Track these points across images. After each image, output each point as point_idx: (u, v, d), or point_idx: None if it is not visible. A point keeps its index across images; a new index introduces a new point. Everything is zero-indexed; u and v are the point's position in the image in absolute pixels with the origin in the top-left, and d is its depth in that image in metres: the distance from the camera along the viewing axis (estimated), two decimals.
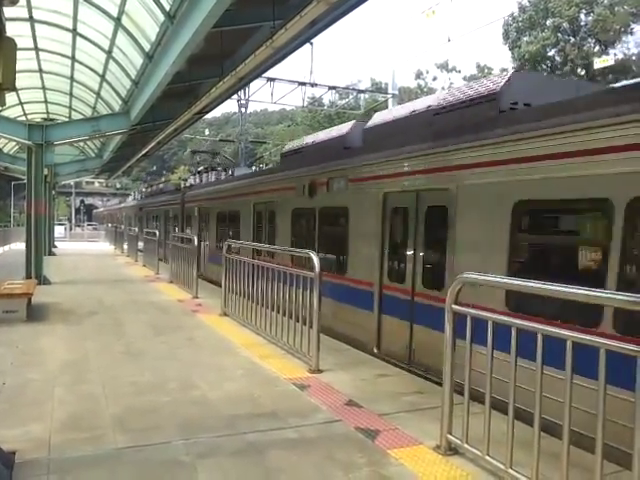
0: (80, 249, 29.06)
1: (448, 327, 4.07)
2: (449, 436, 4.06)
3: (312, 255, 6.39)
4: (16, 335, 7.82)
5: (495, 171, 6.23)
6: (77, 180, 43.01)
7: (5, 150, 26.14)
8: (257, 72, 12.71)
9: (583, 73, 41.97)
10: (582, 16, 39.75)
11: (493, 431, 3.71)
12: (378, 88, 49.43)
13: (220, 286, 10.02)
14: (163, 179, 78.72)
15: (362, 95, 36.35)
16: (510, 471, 3.51)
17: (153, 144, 19.58)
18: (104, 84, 15.86)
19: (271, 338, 7.64)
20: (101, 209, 74.56)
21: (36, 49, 14.20)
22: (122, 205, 49.60)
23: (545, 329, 3.38)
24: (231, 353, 7.13)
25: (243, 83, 15.49)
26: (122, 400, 5.16)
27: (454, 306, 4.04)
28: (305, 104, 32.30)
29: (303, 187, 10.75)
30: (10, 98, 19.41)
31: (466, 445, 3.92)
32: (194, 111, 14.61)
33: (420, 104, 8.68)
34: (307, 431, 4.53)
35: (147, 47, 11.55)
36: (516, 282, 3.98)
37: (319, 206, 10.30)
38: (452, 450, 4.07)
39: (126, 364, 6.48)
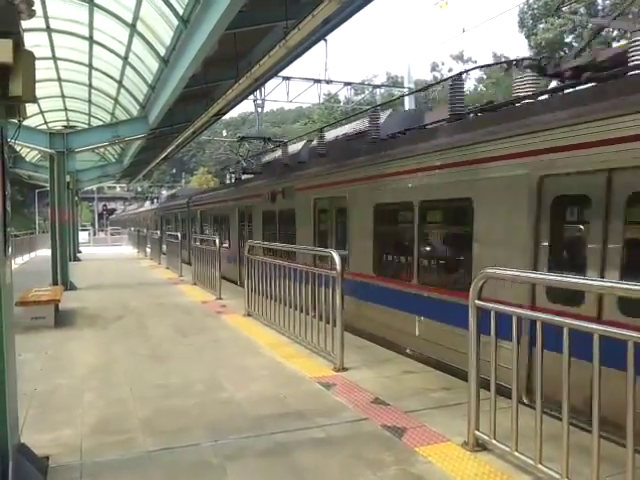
0: (104, 254, 29.51)
1: (472, 322, 4.04)
2: (477, 432, 4.04)
3: (334, 254, 6.40)
4: (45, 341, 7.97)
5: (369, 184, 9.20)
6: (99, 185, 43.56)
7: (28, 159, 26.58)
8: (272, 72, 12.75)
9: None
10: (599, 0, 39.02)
11: (520, 426, 3.68)
12: (394, 82, 49.22)
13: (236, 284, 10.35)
14: (183, 182, 79.60)
15: (378, 90, 36.20)
16: (540, 466, 3.48)
17: (172, 147, 19.75)
18: (121, 90, 16.03)
19: (295, 337, 7.67)
20: (119, 212, 75.54)
21: (54, 58, 14.41)
22: (140, 210, 50.30)
23: (572, 323, 3.33)
24: (256, 353, 7.17)
25: (259, 84, 15.59)
26: (150, 403, 5.23)
27: (477, 301, 4.01)
28: (321, 101, 32.28)
29: (267, 195, 14.01)
30: (31, 108, 19.65)
31: (494, 441, 3.89)
32: (211, 113, 14.69)
33: (341, 130, 12.24)
34: (334, 430, 4.53)
35: (162, 51, 11.64)
36: (540, 276, 3.93)
37: (278, 209, 13.46)
38: (480, 446, 4.05)
39: (153, 367, 6.56)
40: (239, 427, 4.60)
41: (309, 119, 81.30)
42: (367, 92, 39.76)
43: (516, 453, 3.68)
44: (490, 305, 3.99)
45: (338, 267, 6.25)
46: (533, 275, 4.38)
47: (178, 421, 4.76)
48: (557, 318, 3.51)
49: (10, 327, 3.76)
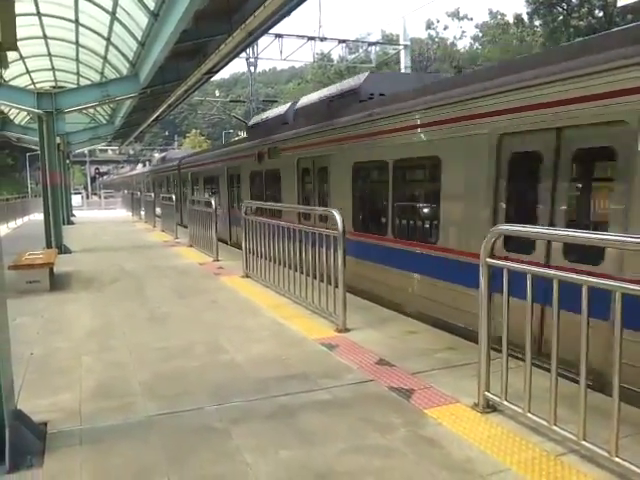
0: (98, 217, 29.22)
1: (483, 281, 3.88)
2: (487, 394, 3.93)
3: (334, 213, 6.21)
4: (40, 304, 7.82)
5: (349, 144, 9.68)
6: (91, 148, 42.88)
7: (17, 121, 26.00)
8: (266, 26, 12.26)
9: (601, 15, 40.26)
10: None
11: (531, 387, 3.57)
12: (389, 40, 48.04)
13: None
14: (176, 144, 78.63)
15: (373, 48, 35.34)
16: (555, 428, 3.38)
17: (164, 107, 19.29)
18: (110, 47, 15.48)
19: (295, 299, 7.55)
20: (112, 176, 74.82)
21: (39, 14, 13.80)
22: (132, 172, 49.84)
23: (590, 280, 3.18)
24: (256, 314, 7.05)
25: (252, 38, 14.99)
26: (150, 366, 5.10)
27: (489, 259, 3.85)
28: (314, 60, 31.56)
29: (255, 155, 14.30)
30: (17, 67, 19.14)
31: (505, 402, 3.79)
32: (203, 70, 14.29)
33: (325, 92, 12.30)
34: (339, 392, 4.43)
35: (152, 5, 11.13)
36: (554, 232, 3.77)
37: (265, 169, 13.90)
38: (490, 408, 3.95)
39: (151, 329, 6.44)
40: (242, 390, 4.49)
41: (302, 79, 79.94)
42: (361, 50, 38.81)
43: (529, 414, 3.58)
44: (502, 263, 3.84)
45: (340, 226, 6.07)
46: (546, 231, 4.22)
47: (179, 384, 4.65)
48: (575, 275, 3.36)
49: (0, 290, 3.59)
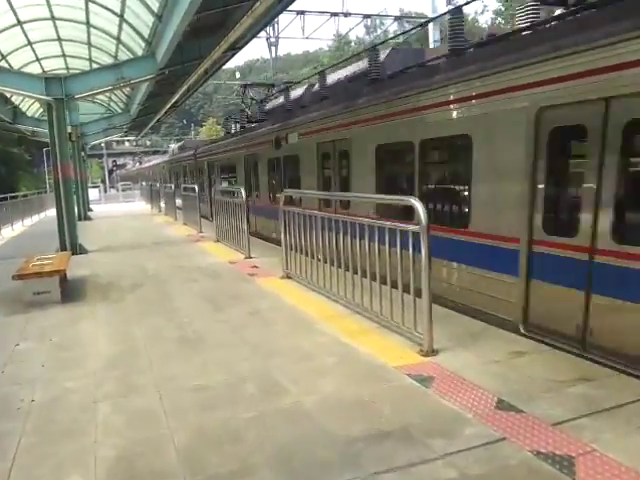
0: (116, 211, 28.01)
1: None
2: None
3: (415, 202, 4.81)
4: (49, 322, 6.54)
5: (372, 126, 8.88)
6: (107, 140, 41.61)
7: (29, 113, 24.86)
8: None
9: None
10: None
11: None
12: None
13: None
14: (192, 133, 77.49)
15: (391, 27, 33.41)
16: None
17: (182, 90, 17.92)
18: (124, 26, 14.15)
19: (354, 307, 6.19)
20: (129, 168, 73.95)
21: None
22: (150, 163, 48.96)
23: None
24: (311, 330, 5.69)
25: (276, 11, 13.59)
26: (188, 420, 3.76)
27: None
28: (332, 42, 30.07)
29: (272, 141, 13.53)
30: (26, 54, 17.94)
31: None
32: (224, 47, 12.87)
33: (343, 73, 12.03)
34: (465, 463, 3.05)
35: None
36: None
37: (282, 155, 13.21)
38: None
39: (184, 357, 5.10)
40: (323, 461, 3.14)
41: (318, 63, 77.95)
42: (380, 30, 36.98)
43: None
44: None
45: (423, 220, 4.67)
46: None
47: (233, 453, 3.29)
48: None
49: None
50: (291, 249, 8.06)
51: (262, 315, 6.41)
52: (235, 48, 13.92)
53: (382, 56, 10.44)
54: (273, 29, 26.12)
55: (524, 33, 6.61)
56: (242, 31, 11.58)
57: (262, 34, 24.39)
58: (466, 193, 7.00)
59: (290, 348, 5.17)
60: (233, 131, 20.77)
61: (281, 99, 15.69)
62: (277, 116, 14.42)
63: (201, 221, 15.67)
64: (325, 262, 6.93)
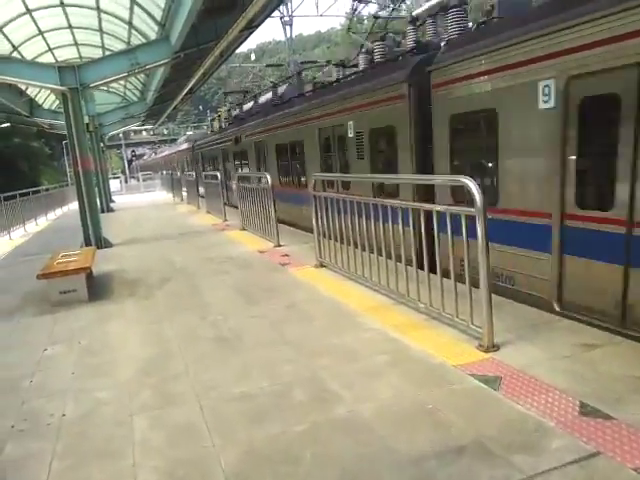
0: (138, 201, 27.82)
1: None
2: None
3: (469, 182, 4.32)
4: (77, 323, 6.23)
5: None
6: (124, 130, 41.36)
7: (46, 106, 24.63)
8: None
9: None
10: None
11: None
12: None
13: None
14: (209, 119, 77.13)
15: (404, 4, 31.99)
16: None
17: (199, 75, 17.44)
18: (135, 9, 13.68)
19: (398, 297, 5.76)
20: (145, 158, 73.88)
21: None
22: (171, 151, 48.66)
23: None
24: (354, 325, 5.27)
25: None
26: (234, 434, 3.38)
27: None
28: (344, 21, 28.97)
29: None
30: (38, 44, 17.61)
31: None
32: (242, 25, 12.33)
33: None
34: None
35: None
36: None
37: (289, 140, 13.86)
38: None
39: (222, 359, 4.72)
40: None
41: (331, 42, 76.59)
42: (391, 7, 35.53)
43: None
44: None
45: (479, 202, 4.19)
46: None
47: (288, 474, 2.92)
48: None
49: None
50: (324, 236, 7.64)
51: (299, 308, 6.02)
52: (252, 27, 13.37)
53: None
54: (286, 8, 25.40)
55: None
56: (259, 6, 11.04)
57: (276, 13, 23.76)
58: (494, 169, 6.59)
59: (334, 346, 4.76)
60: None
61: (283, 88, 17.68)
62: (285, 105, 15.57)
63: (225, 209, 15.30)
64: (364, 249, 6.50)
